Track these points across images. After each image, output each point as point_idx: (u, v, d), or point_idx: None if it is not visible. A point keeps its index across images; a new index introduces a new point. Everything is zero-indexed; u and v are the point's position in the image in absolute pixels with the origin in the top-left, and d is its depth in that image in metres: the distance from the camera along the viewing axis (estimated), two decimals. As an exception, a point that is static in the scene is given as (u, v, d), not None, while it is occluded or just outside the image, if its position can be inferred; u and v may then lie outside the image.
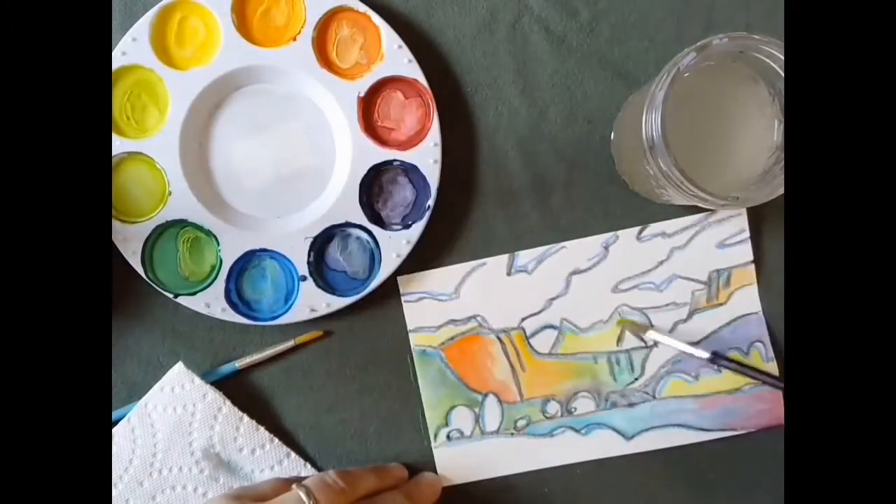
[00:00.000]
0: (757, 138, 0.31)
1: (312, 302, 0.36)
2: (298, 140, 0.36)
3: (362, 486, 0.32)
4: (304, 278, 0.36)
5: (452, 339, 0.37)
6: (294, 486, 0.31)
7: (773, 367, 0.36)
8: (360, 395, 0.37)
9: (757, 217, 0.36)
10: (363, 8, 0.35)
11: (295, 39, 0.35)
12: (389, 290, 0.37)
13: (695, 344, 0.36)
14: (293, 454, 0.36)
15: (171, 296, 0.35)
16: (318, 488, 0.31)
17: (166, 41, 0.36)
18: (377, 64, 0.36)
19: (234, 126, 0.36)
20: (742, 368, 0.35)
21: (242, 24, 0.36)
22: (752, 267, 0.36)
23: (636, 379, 0.37)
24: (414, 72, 0.36)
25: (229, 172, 0.36)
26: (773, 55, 0.29)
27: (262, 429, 0.36)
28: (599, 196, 0.37)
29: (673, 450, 0.36)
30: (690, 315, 0.37)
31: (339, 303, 0.36)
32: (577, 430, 0.37)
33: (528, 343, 0.37)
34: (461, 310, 0.37)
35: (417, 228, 0.36)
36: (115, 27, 0.36)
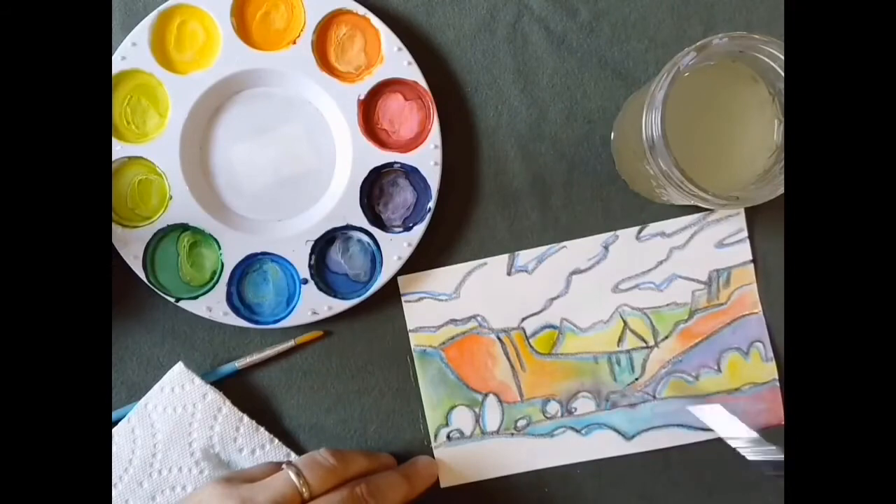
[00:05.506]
0: (757, 138, 0.31)
1: (314, 305, 0.36)
2: (299, 143, 0.36)
3: (354, 465, 0.32)
4: (305, 281, 0.36)
5: (452, 339, 0.37)
6: (284, 465, 0.31)
7: (772, 367, 0.36)
8: (360, 395, 0.37)
9: (753, 216, 0.36)
10: (362, 10, 0.35)
11: (295, 43, 0.35)
12: (390, 291, 0.37)
13: (695, 345, 0.37)
14: (293, 454, 0.36)
15: (172, 300, 0.35)
16: (308, 467, 0.30)
17: (166, 45, 0.36)
18: (377, 66, 0.36)
19: (234, 130, 0.36)
20: None
21: (242, 27, 0.36)
22: (752, 266, 0.36)
23: (636, 379, 0.37)
24: (414, 74, 0.36)
25: (230, 176, 0.36)
26: (773, 55, 0.29)
27: (262, 429, 0.36)
28: (599, 196, 0.37)
29: (673, 450, 0.36)
30: (691, 315, 0.37)
31: (341, 305, 0.36)
32: (577, 431, 0.37)
33: (529, 343, 0.37)
34: (461, 310, 0.37)
35: (418, 231, 0.36)
36: (115, 26, 0.36)
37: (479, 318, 0.37)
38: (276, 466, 0.32)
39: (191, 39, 0.36)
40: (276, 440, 0.36)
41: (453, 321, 0.37)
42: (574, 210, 0.37)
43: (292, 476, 0.30)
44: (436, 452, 0.37)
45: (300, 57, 0.35)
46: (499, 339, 0.37)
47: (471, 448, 0.37)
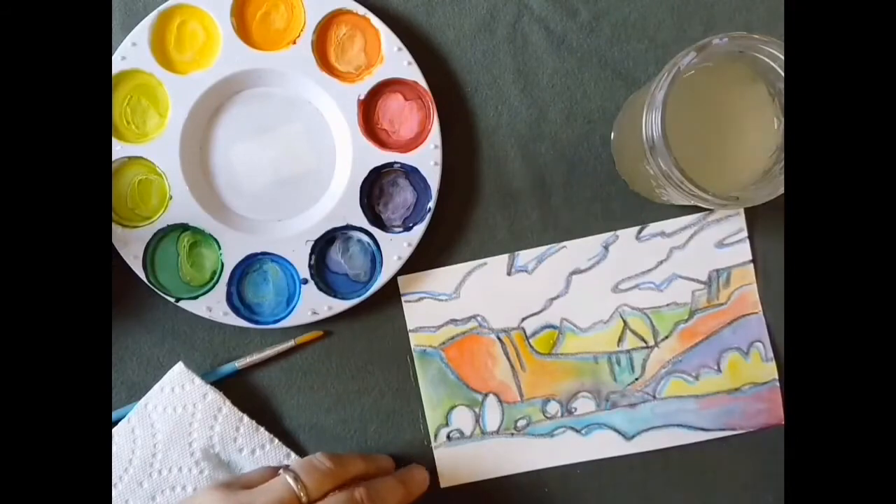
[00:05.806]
0: (757, 138, 0.31)
1: (314, 305, 0.36)
2: (299, 143, 0.36)
3: (351, 469, 0.32)
4: (305, 281, 0.36)
5: (452, 339, 0.37)
6: (281, 470, 0.31)
7: (772, 367, 0.36)
8: (360, 395, 0.37)
9: (753, 216, 0.36)
10: (363, 10, 0.35)
11: (295, 43, 0.35)
12: (390, 291, 0.37)
13: (695, 345, 0.37)
14: (293, 454, 0.36)
15: (172, 300, 0.35)
16: (305, 471, 0.30)
17: (166, 45, 0.36)
18: (377, 66, 0.36)
19: (234, 130, 0.36)
20: None
21: (242, 27, 0.36)
22: (752, 266, 0.36)
23: (636, 379, 0.37)
24: (414, 74, 0.36)
25: (230, 176, 0.36)
26: (773, 55, 0.29)
27: (262, 429, 0.36)
28: (599, 196, 0.37)
29: (673, 450, 0.36)
30: (691, 315, 0.37)
31: (341, 305, 0.36)
32: (577, 431, 0.37)
33: (529, 343, 0.37)
34: (461, 310, 0.37)
35: (418, 231, 0.36)
36: (115, 26, 0.36)
37: (479, 318, 0.37)
38: (274, 471, 0.32)
39: (191, 39, 0.36)
40: (276, 440, 0.36)
41: (453, 321, 0.37)
42: (574, 210, 0.37)
43: (290, 481, 0.30)
44: (436, 452, 0.37)
45: (300, 57, 0.35)
46: (499, 339, 0.37)
47: (471, 448, 0.37)
